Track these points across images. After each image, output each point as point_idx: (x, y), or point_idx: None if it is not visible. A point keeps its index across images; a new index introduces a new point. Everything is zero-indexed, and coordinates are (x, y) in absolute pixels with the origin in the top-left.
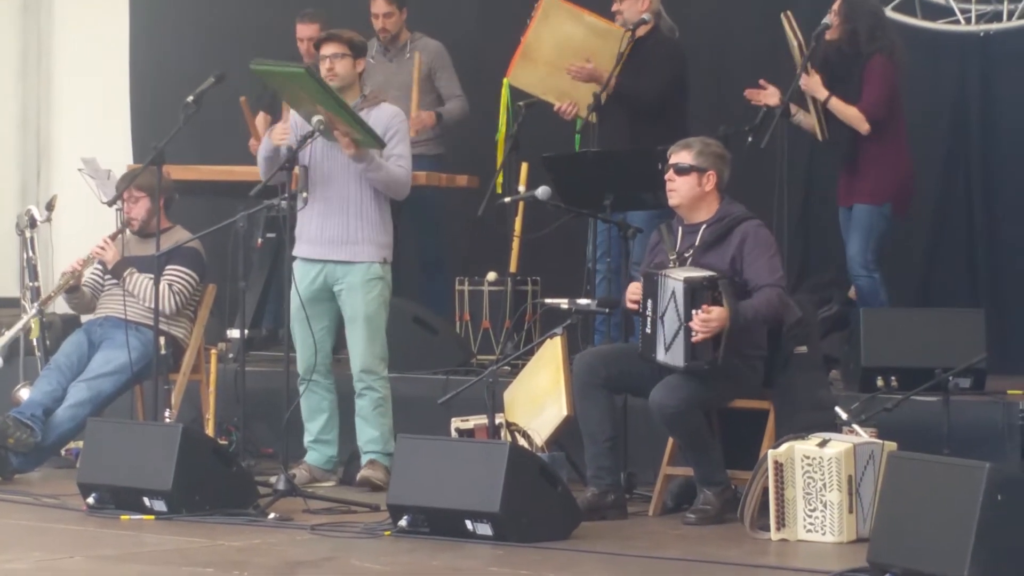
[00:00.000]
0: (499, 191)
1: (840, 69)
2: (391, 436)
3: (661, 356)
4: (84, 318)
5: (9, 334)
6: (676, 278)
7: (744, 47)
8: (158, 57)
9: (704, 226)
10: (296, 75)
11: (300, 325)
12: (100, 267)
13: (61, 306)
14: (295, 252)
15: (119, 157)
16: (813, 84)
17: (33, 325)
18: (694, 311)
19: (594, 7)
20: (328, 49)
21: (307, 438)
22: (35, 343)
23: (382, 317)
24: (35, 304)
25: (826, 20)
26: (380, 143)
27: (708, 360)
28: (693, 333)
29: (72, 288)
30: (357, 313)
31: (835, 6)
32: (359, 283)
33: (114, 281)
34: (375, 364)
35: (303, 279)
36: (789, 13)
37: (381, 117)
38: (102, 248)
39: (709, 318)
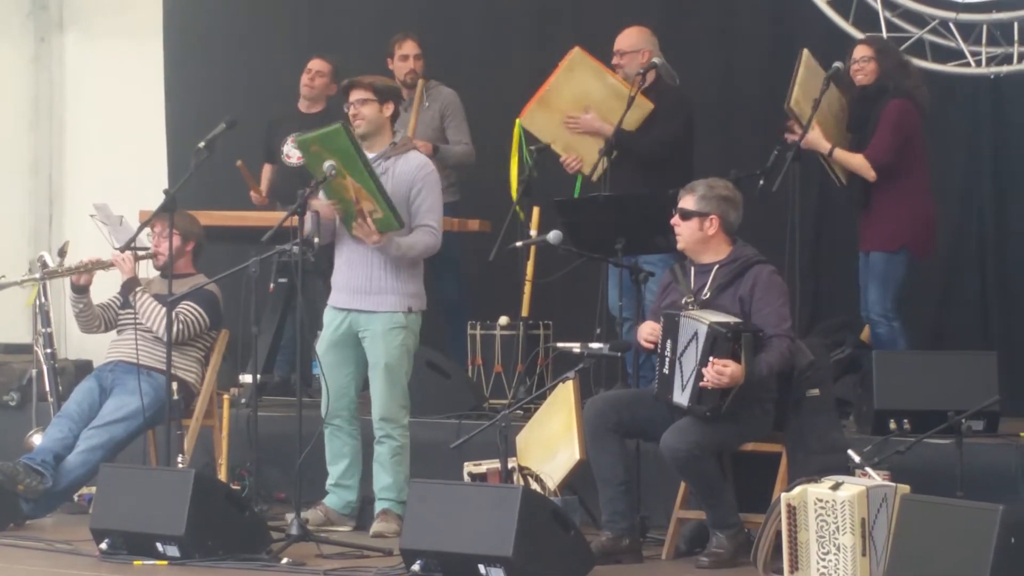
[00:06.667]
0: (519, 213)
1: (863, 112)
2: (406, 485)
3: (677, 397)
4: (95, 363)
5: (7, 281)
6: (701, 321)
7: (750, 91)
8: (193, 101)
9: (716, 267)
10: (333, 132)
11: (325, 369)
12: (119, 297)
13: (74, 352)
14: (329, 300)
15: (131, 203)
16: (814, 138)
17: (32, 291)
18: (711, 358)
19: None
20: (353, 95)
21: (328, 481)
22: (47, 385)
23: (403, 366)
24: (40, 273)
25: (837, 64)
26: (400, 223)
27: (711, 408)
28: (704, 378)
29: (80, 288)
30: (378, 361)
31: (863, 50)
32: (381, 331)
33: (129, 313)
34: (395, 412)
35: (330, 324)
36: (807, 51)
37: (406, 169)
38: (122, 259)
39: (723, 372)
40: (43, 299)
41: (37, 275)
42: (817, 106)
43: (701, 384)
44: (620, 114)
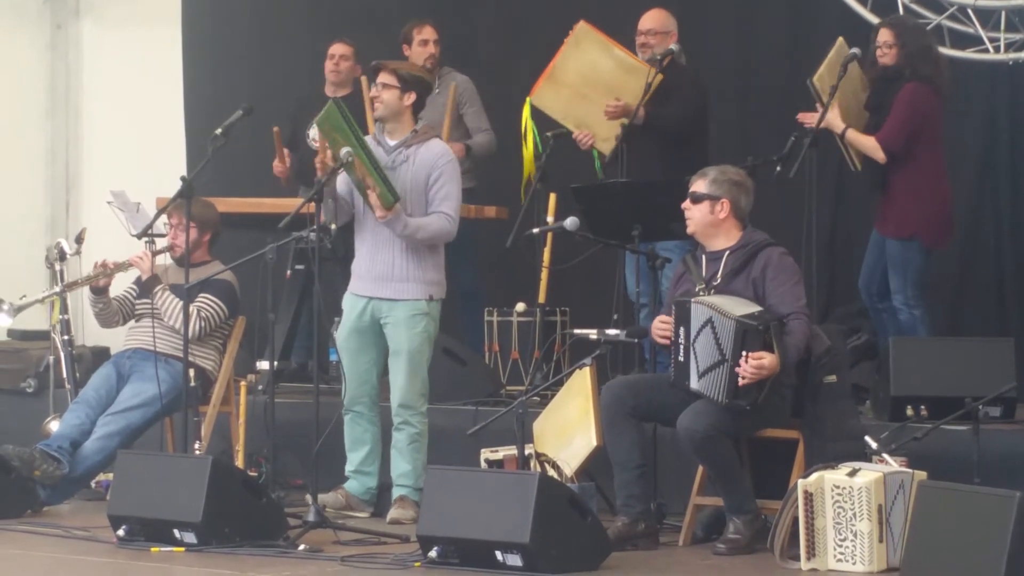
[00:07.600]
0: (527, 193)
1: (880, 94)
2: (424, 472)
3: (694, 384)
4: (113, 349)
5: (29, 300)
6: (726, 315)
7: (768, 77)
8: (212, 88)
9: (727, 252)
10: (328, 110)
11: (346, 356)
12: (135, 288)
13: (91, 338)
14: (349, 287)
15: (148, 189)
16: (831, 118)
17: (55, 304)
18: (744, 352)
19: (624, 41)
20: (378, 78)
21: (348, 467)
22: (64, 372)
23: (424, 353)
24: (61, 284)
25: (855, 50)
26: (394, 196)
27: (750, 401)
28: (740, 376)
29: (99, 290)
30: (400, 348)
31: (885, 35)
32: (403, 319)
33: (145, 303)
34: (414, 399)
35: (351, 312)
36: (842, 39)
37: (427, 157)
38: (140, 258)
39: (761, 365)
40: (60, 286)
41: (57, 288)
42: (835, 91)
43: (740, 382)
44: (629, 86)
